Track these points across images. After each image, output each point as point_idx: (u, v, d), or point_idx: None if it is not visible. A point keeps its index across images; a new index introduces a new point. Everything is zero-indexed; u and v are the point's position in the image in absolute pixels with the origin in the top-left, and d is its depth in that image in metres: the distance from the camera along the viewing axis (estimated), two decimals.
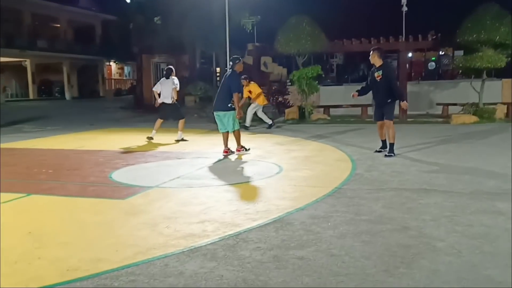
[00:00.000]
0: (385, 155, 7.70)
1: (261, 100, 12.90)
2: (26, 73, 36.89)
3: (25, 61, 35.70)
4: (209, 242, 3.73)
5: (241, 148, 8.35)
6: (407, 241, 3.68)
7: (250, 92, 12.59)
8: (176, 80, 10.34)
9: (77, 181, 6.23)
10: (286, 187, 5.68)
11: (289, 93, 16.66)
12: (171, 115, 10.46)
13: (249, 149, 8.49)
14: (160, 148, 9.27)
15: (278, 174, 6.51)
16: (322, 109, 16.28)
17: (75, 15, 41.03)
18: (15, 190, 5.63)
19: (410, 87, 17.63)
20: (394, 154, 7.69)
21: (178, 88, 10.37)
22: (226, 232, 3.96)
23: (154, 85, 10.98)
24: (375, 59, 7.74)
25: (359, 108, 15.36)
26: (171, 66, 10.88)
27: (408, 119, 14.67)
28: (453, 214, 4.34)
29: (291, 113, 15.39)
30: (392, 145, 7.75)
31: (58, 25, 40.84)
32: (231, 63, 8.27)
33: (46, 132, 13.04)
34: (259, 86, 13.10)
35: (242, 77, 11.97)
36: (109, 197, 5.36)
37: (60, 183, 6.13)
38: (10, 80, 38.28)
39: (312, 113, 15.17)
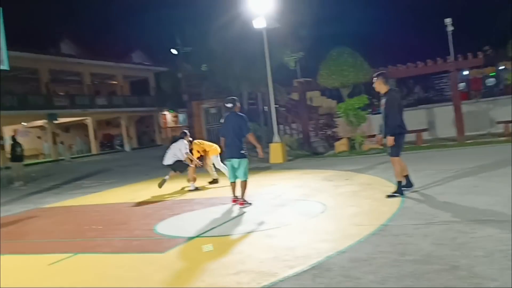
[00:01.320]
0: (388, 195, 6.78)
1: (214, 151, 10.80)
2: (87, 130, 38.99)
3: (87, 119, 37.79)
4: None
5: (244, 201, 7.36)
6: (455, 283, 3.35)
7: (204, 151, 10.83)
8: (183, 145, 10.04)
9: (123, 236, 6.32)
10: (329, 228, 5.45)
11: (337, 125, 16.40)
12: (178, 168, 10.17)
13: (251, 203, 7.39)
14: (206, 195, 9.29)
15: (322, 213, 6.29)
16: (374, 138, 15.85)
17: (130, 70, 43.31)
18: (63, 250, 5.77)
19: (467, 106, 16.85)
20: (402, 194, 6.72)
21: (187, 151, 10.01)
22: (260, 284, 3.81)
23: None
24: (380, 86, 6.87)
25: (414, 134, 14.80)
26: (185, 130, 10.68)
27: (467, 141, 13.97)
28: (509, 248, 3.94)
29: (341, 145, 15.09)
30: (399, 183, 6.84)
31: (115, 82, 43.21)
32: (230, 104, 7.57)
33: (103, 186, 13.49)
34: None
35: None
36: (150, 251, 5.37)
37: (106, 239, 6.24)
38: (74, 137, 40.62)
39: (363, 143, 14.79)
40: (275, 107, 16.11)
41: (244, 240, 5.36)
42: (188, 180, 10.29)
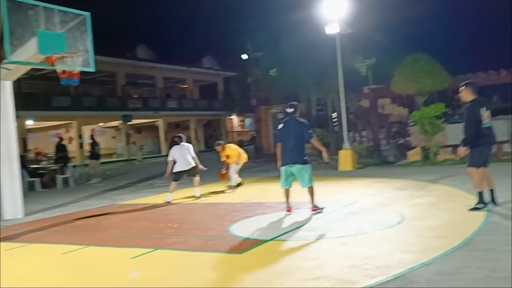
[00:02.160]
0: (470, 209, 6.40)
1: (243, 158, 11.58)
2: (158, 132, 40.47)
3: (158, 121, 39.22)
4: None
5: (316, 207, 7.27)
6: None
7: (227, 156, 11.39)
8: (191, 147, 10.49)
9: (198, 235, 6.46)
10: (409, 239, 5.26)
11: (410, 134, 15.87)
12: (188, 173, 10.36)
13: (323, 208, 7.35)
14: (277, 199, 9.29)
15: (400, 223, 6.09)
16: (449, 149, 15.19)
17: (200, 75, 44.52)
18: (143, 246, 6.00)
19: None
20: (485, 204, 6.35)
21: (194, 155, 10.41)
22: None
23: (169, 156, 10.63)
24: (468, 95, 6.56)
25: (494, 146, 13.99)
26: (181, 134, 10.83)
27: None
28: None
29: (414, 155, 14.59)
30: (479, 194, 6.42)
31: (185, 86, 44.58)
32: (291, 109, 7.41)
33: None
34: (238, 144, 12.34)
35: (220, 143, 11.79)
36: (226, 251, 5.43)
37: (183, 237, 6.41)
38: (145, 139, 42.32)
39: (438, 153, 14.21)
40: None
41: (320, 246, 5.30)
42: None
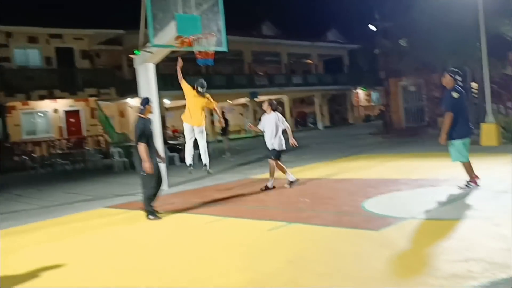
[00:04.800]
0: None
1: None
2: (283, 107, 41.03)
3: (283, 97, 39.73)
4: (476, 286, 3.28)
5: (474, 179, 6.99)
6: None
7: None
8: (280, 117, 9.13)
9: (331, 210, 6.43)
10: None
11: None
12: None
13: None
14: (412, 175, 8.86)
15: None
16: None
17: (324, 49, 43.88)
18: (278, 219, 6.17)
19: None
20: None
21: (286, 126, 9.24)
22: (496, 275, 3.43)
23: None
24: None
25: None
26: (274, 101, 9.30)
27: None
28: None
29: None
30: None
31: (310, 61, 44.36)
32: (459, 77, 6.92)
33: (303, 161, 14.03)
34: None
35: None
36: (362, 227, 5.32)
37: (316, 212, 6.43)
38: None
39: None
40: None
41: (466, 226, 4.93)
42: None
